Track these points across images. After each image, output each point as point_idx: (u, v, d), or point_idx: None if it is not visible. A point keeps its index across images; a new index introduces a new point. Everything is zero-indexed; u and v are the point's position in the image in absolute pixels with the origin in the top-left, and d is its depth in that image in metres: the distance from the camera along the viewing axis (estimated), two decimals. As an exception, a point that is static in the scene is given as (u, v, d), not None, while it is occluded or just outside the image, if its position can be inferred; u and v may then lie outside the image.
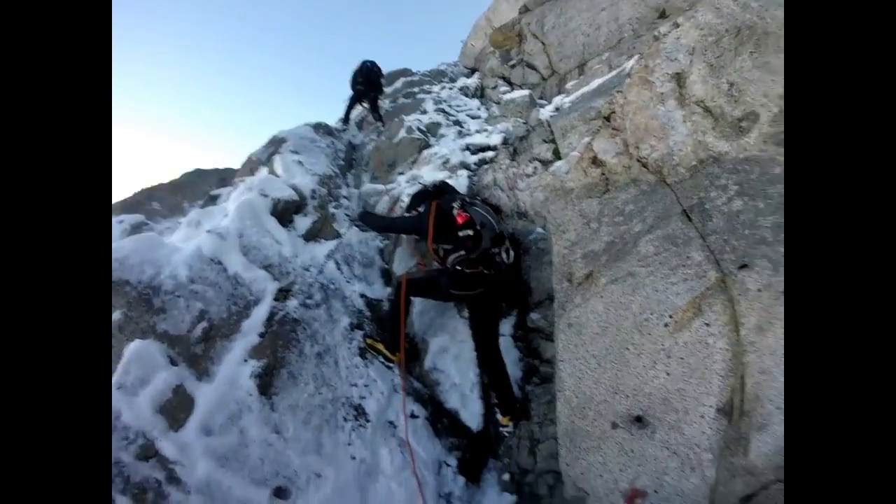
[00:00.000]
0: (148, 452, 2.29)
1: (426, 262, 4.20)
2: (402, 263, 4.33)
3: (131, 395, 2.39)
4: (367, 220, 4.35)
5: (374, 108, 7.89)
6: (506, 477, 3.11)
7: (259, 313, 3.10)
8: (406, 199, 4.50)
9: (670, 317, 1.85)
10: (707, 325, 1.75)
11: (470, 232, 3.41)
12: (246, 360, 2.81)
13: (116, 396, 2.35)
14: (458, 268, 3.39)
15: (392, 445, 2.90)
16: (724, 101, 2.31)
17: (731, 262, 1.80)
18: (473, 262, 3.38)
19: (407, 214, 4.16)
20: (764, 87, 2.27)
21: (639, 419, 1.92)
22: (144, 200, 6.61)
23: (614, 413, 2.00)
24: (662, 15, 5.82)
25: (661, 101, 2.48)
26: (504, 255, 3.47)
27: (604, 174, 2.73)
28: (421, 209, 3.84)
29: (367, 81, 7.83)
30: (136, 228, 5.38)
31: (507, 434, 3.26)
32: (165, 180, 7.06)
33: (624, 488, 1.69)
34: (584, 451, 2.14)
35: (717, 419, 1.67)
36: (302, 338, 3.10)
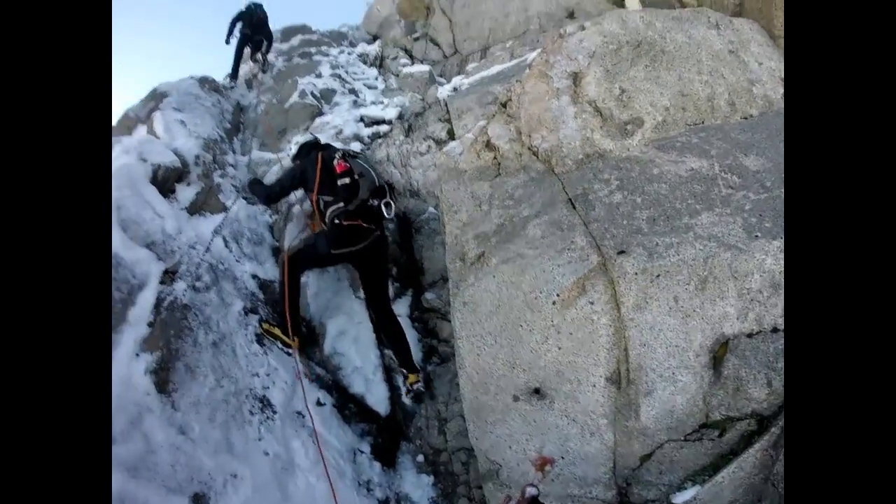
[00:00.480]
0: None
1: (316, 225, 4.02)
2: (294, 242, 4.14)
3: None
4: (256, 190, 4.07)
5: (260, 54, 7.43)
6: (420, 458, 3.19)
7: (145, 299, 2.76)
8: (293, 149, 4.29)
9: (557, 295, 2.04)
10: (591, 303, 1.97)
11: (347, 180, 3.38)
12: (138, 355, 2.50)
13: None
14: (336, 221, 3.31)
15: (304, 437, 2.80)
16: (614, 104, 2.57)
17: (611, 248, 2.03)
18: (351, 213, 3.32)
19: (291, 164, 4.07)
20: (652, 97, 2.58)
21: (537, 391, 2.12)
22: None
23: (514, 386, 2.16)
24: (570, 15, 6.16)
25: (557, 96, 2.66)
26: (385, 210, 3.41)
27: (496, 158, 2.86)
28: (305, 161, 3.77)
29: (253, 24, 7.23)
30: None
31: (420, 391, 3.31)
32: None
33: (532, 457, 1.84)
34: (491, 425, 2.29)
35: (607, 387, 1.91)
36: (194, 325, 2.83)
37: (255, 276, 3.74)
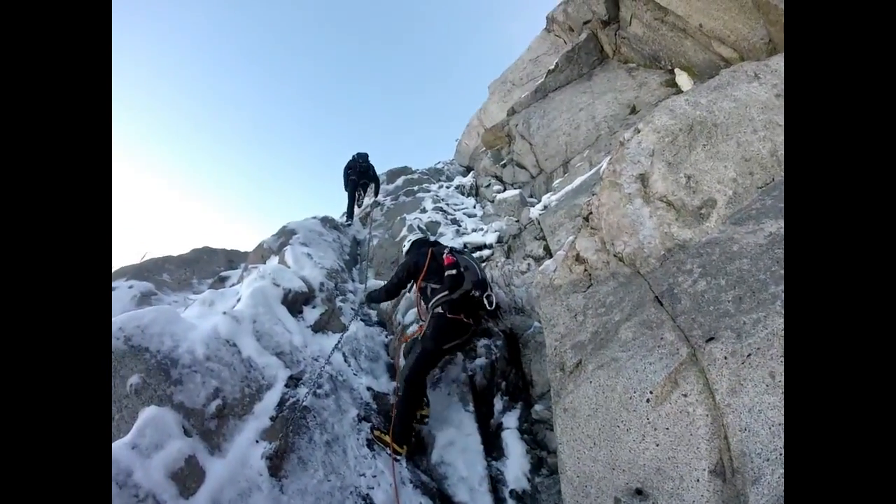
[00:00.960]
0: (157, 513, 2.31)
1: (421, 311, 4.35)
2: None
3: (145, 458, 2.44)
4: (374, 295, 4.50)
5: (367, 195, 8.67)
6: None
7: (271, 397, 3.23)
8: (406, 246, 4.85)
9: (651, 392, 2.01)
10: (685, 395, 1.91)
11: (454, 272, 3.74)
12: (257, 441, 2.90)
13: (130, 455, 2.41)
14: (440, 310, 3.63)
15: (402, 540, 2.84)
16: (683, 193, 2.66)
17: (700, 337, 1.99)
18: (455, 305, 3.63)
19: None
20: (717, 174, 2.62)
21: (639, 491, 1.99)
22: (154, 270, 6.77)
23: (614, 488, 2.05)
24: (633, 111, 6.53)
25: (630, 201, 2.85)
26: (486, 301, 3.68)
27: (586, 270, 3.01)
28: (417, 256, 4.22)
29: (358, 172, 8.62)
30: (145, 297, 5.55)
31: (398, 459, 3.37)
32: (175, 253, 7.26)
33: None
34: (595, 530, 2.15)
35: (711, 481, 1.75)
36: (312, 425, 3.20)
37: (369, 389, 4.09)
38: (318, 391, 3.53)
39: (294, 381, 3.51)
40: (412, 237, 6.42)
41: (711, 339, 1.95)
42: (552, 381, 2.65)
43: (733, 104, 2.88)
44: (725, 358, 1.85)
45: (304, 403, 3.29)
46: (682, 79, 6.16)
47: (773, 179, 2.53)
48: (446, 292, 3.73)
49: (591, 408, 2.25)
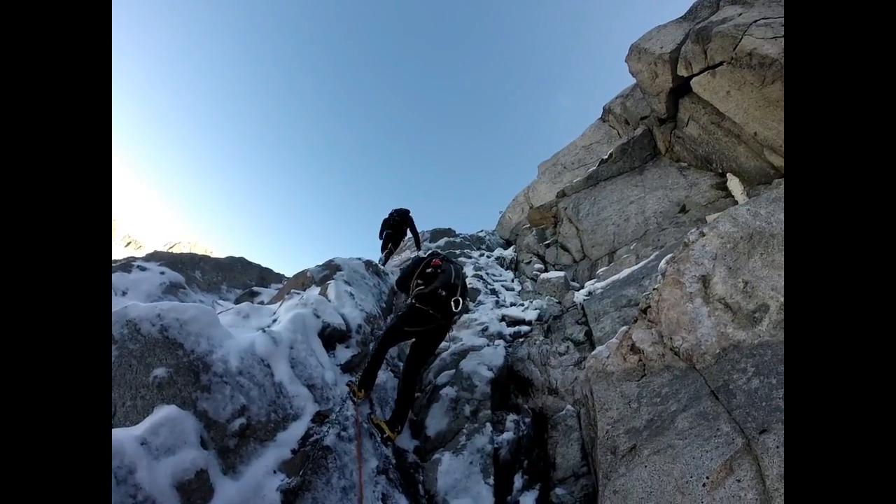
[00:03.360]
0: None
1: None
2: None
3: (153, 458, 2.39)
4: (399, 283, 5.23)
5: (401, 249, 9.20)
6: None
7: (296, 429, 3.29)
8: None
9: (707, 478, 2.32)
10: (738, 481, 2.21)
11: (430, 270, 4.60)
12: (275, 472, 2.91)
13: (138, 451, 2.36)
14: (412, 301, 4.37)
15: None
16: (740, 297, 3.06)
17: (754, 429, 2.33)
18: (425, 298, 4.32)
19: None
20: (772, 282, 3.02)
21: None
22: (190, 265, 6.94)
23: (665, 570, 2.32)
24: (683, 209, 7.03)
25: (690, 300, 3.26)
26: (452, 304, 4.28)
27: (641, 360, 3.36)
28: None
29: (391, 225, 9.39)
30: (173, 287, 5.71)
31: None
32: (212, 254, 7.49)
33: None
34: None
35: None
36: (331, 467, 3.22)
37: (392, 442, 4.23)
38: (343, 434, 3.62)
39: (321, 418, 3.57)
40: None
41: (765, 430, 2.29)
42: (601, 464, 2.93)
43: (788, 216, 3.36)
44: (777, 447, 2.18)
45: (327, 443, 3.34)
46: (734, 183, 6.73)
47: None
48: (422, 286, 4.49)
49: (644, 491, 2.54)
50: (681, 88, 7.65)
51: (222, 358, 3.14)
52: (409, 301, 4.54)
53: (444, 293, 4.34)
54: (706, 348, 3.01)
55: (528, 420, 4.77)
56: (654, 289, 3.64)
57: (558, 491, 4.07)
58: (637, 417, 2.95)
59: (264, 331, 3.74)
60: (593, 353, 3.76)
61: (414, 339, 4.55)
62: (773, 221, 3.37)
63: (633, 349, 3.41)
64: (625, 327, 3.73)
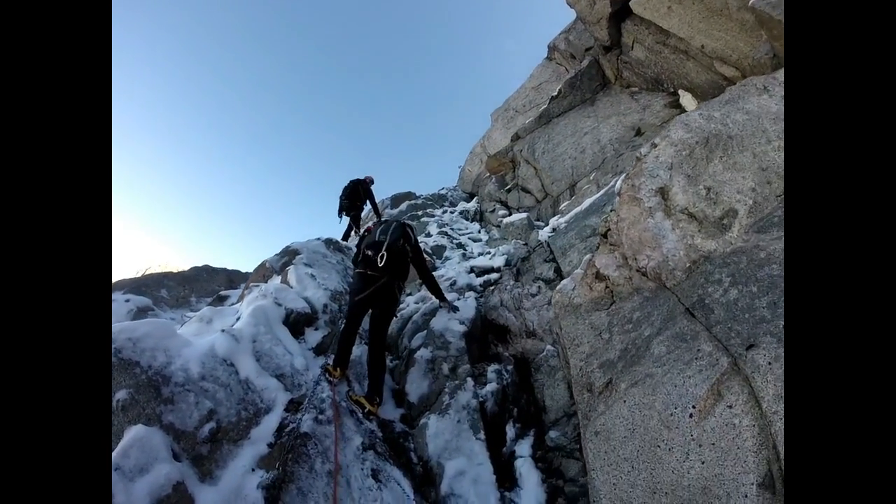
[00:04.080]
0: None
1: None
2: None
3: (128, 480, 2.28)
4: (353, 260, 4.93)
5: (357, 222, 8.72)
6: None
7: (269, 422, 3.09)
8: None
9: (694, 407, 1.94)
10: (730, 407, 1.84)
11: (366, 235, 4.48)
12: (253, 470, 2.74)
13: (112, 477, 2.26)
14: (355, 269, 4.27)
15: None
16: (704, 205, 2.67)
17: (739, 346, 1.95)
18: (359, 261, 4.24)
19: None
20: (736, 185, 2.65)
21: (683, 514, 1.89)
22: (153, 285, 6.68)
23: (655, 513, 1.96)
24: (638, 133, 6.64)
25: (651, 215, 2.84)
26: (378, 259, 4.08)
27: (608, 287, 2.98)
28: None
29: (346, 194, 8.70)
30: (142, 311, 5.40)
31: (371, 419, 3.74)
32: (175, 269, 7.17)
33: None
34: (634, 563, 2.04)
35: (760, 495, 1.66)
36: (312, 454, 3.02)
37: (375, 416, 3.93)
38: (321, 417, 3.36)
39: (295, 406, 3.35)
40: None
41: (752, 345, 1.90)
42: (579, 404, 2.56)
43: (746, 116, 2.95)
44: (769, 364, 1.80)
45: (305, 430, 3.13)
46: (686, 99, 6.32)
47: None
48: (357, 252, 4.45)
49: (627, 429, 2.17)
50: (621, 12, 7.08)
51: (182, 367, 2.97)
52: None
53: (370, 252, 4.16)
54: (675, 264, 2.62)
55: (510, 367, 4.45)
56: (611, 210, 3.21)
57: (552, 434, 3.80)
58: (610, 349, 2.56)
59: (223, 331, 3.48)
60: (558, 287, 3.37)
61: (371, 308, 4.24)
62: (730, 123, 2.99)
63: (598, 276, 3.02)
64: (588, 255, 3.32)
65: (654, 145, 3.12)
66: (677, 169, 2.90)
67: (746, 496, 1.69)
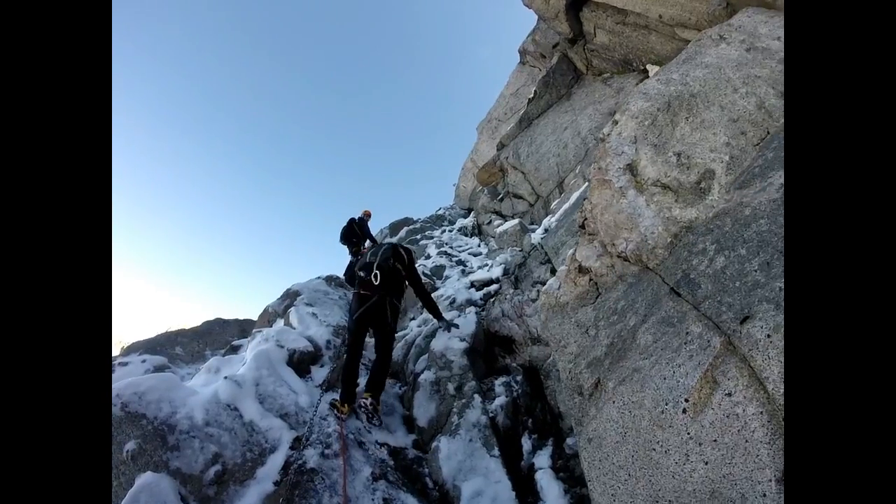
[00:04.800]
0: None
1: None
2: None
3: None
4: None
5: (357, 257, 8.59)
6: None
7: (275, 461, 3.05)
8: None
9: (686, 400, 1.62)
10: (728, 395, 1.52)
11: (353, 259, 4.49)
12: None
13: None
14: (354, 290, 4.21)
15: None
16: (677, 172, 2.37)
17: (732, 320, 1.63)
18: (355, 283, 4.22)
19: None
20: (708, 143, 2.35)
21: (693, 525, 1.56)
22: (167, 343, 6.64)
23: (663, 527, 1.64)
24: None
25: (623, 195, 2.56)
26: (372, 279, 4.10)
27: (591, 280, 2.69)
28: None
29: (343, 236, 8.59)
30: (158, 370, 5.36)
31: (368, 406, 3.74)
32: (188, 326, 7.11)
33: None
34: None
35: (781, 491, 1.33)
36: (320, 488, 2.92)
37: (384, 444, 3.71)
38: (327, 451, 3.26)
39: (300, 443, 3.27)
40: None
41: (746, 318, 1.59)
42: (572, 409, 2.27)
43: (706, 71, 2.69)
44: (769, 336, 1.48)
45: (311, 465, 3.03)
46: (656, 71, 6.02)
47: (768, 133, 2.29)
48: (352, 277, 4.50)
49: (618, 433, 1.85)
50: (576, 2, 6.86)
51: (187, 415, 3.01)
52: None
53: (362, 273, 4.20)
54: (654, 241, 2.32)
55: (518, 378, 4.16)
56: (583, 199, 2.94)
57: (570, 441, 3.53)
58: (596, 346, 2.26)
59: (226, 378, 3.48)
60: (544, 288, 3.07)
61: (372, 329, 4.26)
62: (690, 81, 2.72)
63: (581, 270, 2.73)
64: (571, 251, 3.03)
65: (616, 122, 2.85)
66: (642, 141, 2.62)
67: (765, 495, 1.36)
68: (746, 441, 1.43)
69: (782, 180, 1.90)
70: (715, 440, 1.51)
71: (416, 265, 6.85)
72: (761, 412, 1.43)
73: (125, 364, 5.42)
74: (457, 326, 4.53)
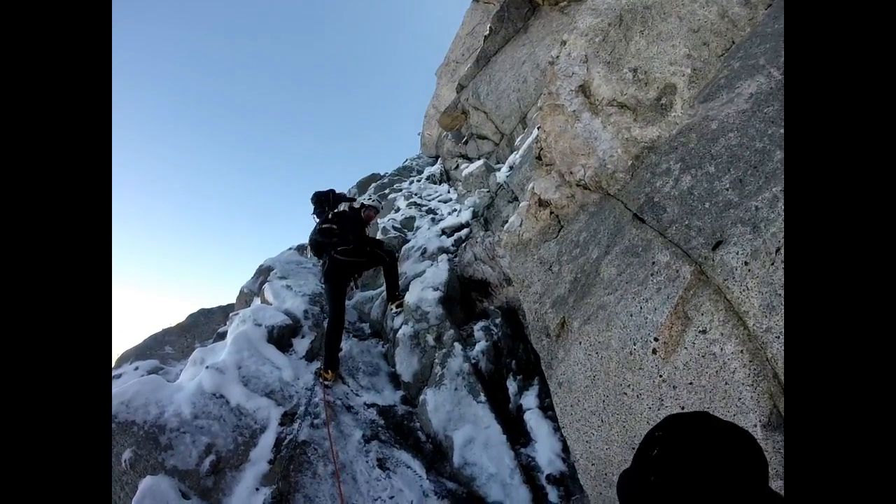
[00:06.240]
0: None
1: None
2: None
3: None
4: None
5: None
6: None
7: (266, 440, 2.97)
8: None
9: (656, 339, 1.36)
10: (703, 332, 1.26)
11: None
12: (258, 489, 2.66)
13: None
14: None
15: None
16: (634, 89, 2.01)
17: (702, 246, 1.34)
18: (318, 249, 4.27)
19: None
20: (667, 56, 1.99)
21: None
22: (156, 345, 6.42)
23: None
24: None
25: (577, 119, 2.20)
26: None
27: (553, 213, 2.39)
28: None
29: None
30: (153, 374, 5.18)
31: None
32: (173, 323, 6.85)
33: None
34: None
35: (767, 437, 1.11)
36: (313, 459, 2.86)
37: (373, 405, 3.55)
38: (316, 421, 3.13)
39: (289, 418, 3.17)
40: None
41: (719, 243, 1.30)
42: (540, 353, 2.04)
43: (660, -21, 2.23)
44: (746, 263, 1.20)
45: (303, 438, 2.93)
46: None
47: (733, 42, 1.96)
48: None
49: (587, 376, 1.62)
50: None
51: (175, 412, 2.91)
52: None
53: (322, 239, 4.18)
54: (614, 165, 2.00)
55: (498, 321, 3.96)
56: (537, 128, 2.58)
57: None
58: (560, 283, 1.99)
59: (207, 367, 3.33)
60: (505, 227, 2.78)
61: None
62: (644, -10, 2.26)
63: (541, 203, 2.42)
64: (530, 185, 2.70)
65: (564, 42, 2.43)
66: (594, 59, 2.23)
67: (749, 442, 1.13)
68: (726, 383, 1.18)
69: (752, 89, 1.57)
70: (691, 383, 1.26)
71: (386, 220, 6.49)
72: (741, 350, 1.17)
73: (118, 376, 5.14)
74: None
